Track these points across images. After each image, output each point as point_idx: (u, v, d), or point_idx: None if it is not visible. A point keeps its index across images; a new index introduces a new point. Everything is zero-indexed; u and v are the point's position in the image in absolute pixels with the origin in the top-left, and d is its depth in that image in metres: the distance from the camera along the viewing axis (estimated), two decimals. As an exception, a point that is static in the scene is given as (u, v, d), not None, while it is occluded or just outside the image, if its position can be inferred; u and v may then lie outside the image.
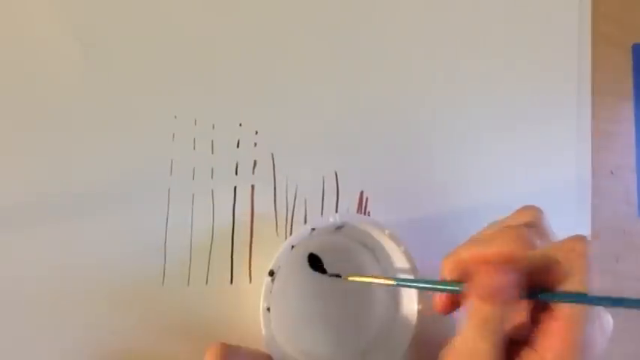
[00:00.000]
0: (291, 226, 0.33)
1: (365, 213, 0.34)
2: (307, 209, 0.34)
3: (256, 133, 0.33)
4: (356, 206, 0.34)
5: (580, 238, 0.26)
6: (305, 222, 0.33)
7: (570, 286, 0.25)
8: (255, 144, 0.33)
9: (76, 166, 0.30)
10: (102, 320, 0.30)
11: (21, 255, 0.29)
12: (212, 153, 0.32)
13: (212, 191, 0.32)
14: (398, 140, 0.35)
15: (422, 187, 0.35)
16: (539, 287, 0.26)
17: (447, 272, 0.28)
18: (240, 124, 0.33)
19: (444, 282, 0.27)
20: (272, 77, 0.34)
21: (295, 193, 0.33)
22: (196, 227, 0.32)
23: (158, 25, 0.32)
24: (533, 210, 0.28)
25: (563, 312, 0.25)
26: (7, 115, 0.30)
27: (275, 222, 0.33)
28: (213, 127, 0.32)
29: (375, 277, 0.30)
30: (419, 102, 0.36)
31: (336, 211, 0.34)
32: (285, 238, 0.33)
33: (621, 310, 0.24)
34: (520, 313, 0.28)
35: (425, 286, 0.28)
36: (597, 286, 0.24)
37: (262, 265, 0.33)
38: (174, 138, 0.32)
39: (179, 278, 0.31)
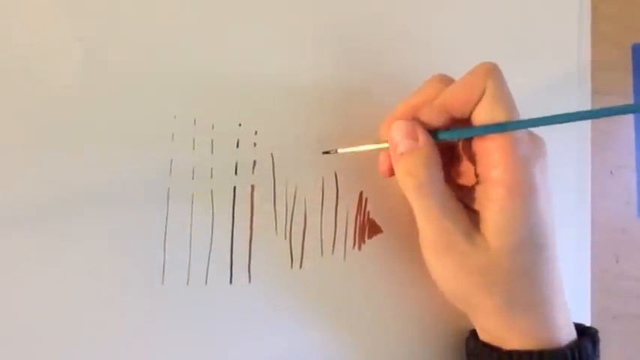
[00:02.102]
0: (291, 226, 0.33)
1: (365, 213, 0.34)
2: (307, 209, 0.33)
3: (256, 133, 0.33)
4: (356, 206, 0.34)
5: (484, 63, 0.27)
6: (305, 222, 0.33)
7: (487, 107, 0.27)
8: (255, 144, 0.33)
9: (74, 166, 0.30)
10: (101, 320, 0.30)
11: (19, 255, 0.29)
12: (212, 153, 0.32)
13: (212, 191, 0.32)
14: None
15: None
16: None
17: (381, 133, 0.31)
18: (240, 124, 0.33)
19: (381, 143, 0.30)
20: (272, 77, 0.34)
21: (295, 193, 0.33)
22: (196, 227, 0.32)
23: (158, 25, 0.32)
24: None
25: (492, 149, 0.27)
26: (6, 115, 0.30)
27: (275, 222, 0.33)
28: (213, 127, 0.32)
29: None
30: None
31: (336, 212, 0.34)
32: (285, 238, 0.33)
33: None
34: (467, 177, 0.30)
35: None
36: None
37: (262, 265, 0.33)
38: (174, 138, 0.32)
39: (178, 278, 0.31)
